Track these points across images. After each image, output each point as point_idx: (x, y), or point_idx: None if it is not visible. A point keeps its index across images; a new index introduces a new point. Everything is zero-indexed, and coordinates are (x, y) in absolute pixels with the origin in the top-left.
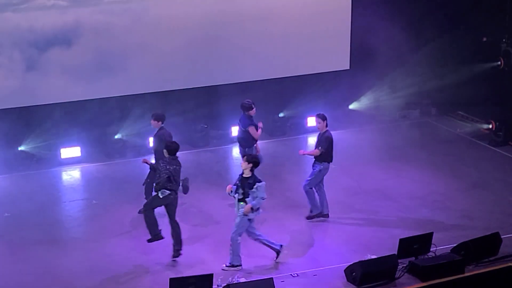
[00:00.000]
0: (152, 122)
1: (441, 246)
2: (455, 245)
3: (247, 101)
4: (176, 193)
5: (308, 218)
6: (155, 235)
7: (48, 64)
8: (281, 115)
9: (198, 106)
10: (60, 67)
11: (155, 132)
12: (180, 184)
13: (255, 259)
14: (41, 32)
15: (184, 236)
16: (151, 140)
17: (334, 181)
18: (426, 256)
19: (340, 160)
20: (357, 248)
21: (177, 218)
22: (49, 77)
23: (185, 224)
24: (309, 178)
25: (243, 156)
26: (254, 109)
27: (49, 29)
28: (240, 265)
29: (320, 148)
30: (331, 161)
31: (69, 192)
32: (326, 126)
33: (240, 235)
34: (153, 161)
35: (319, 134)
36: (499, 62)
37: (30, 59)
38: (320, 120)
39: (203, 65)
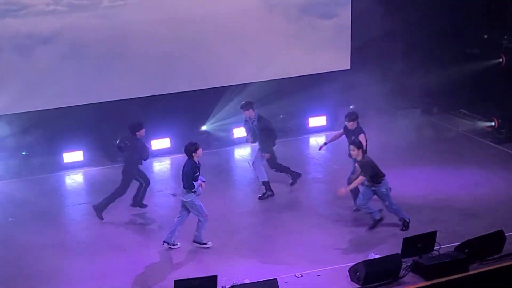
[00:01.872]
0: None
1: (445, 244)
2: (459, 243)
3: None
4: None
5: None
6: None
7: (48, 69)
8: (282, 116)
9: (199, 109)
10: (60, 71)
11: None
12: None
13: (259, 260)
14: (41, 37)
15: (187, 238)
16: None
17: (337, 181)
18: (430, 255)
19: (342, 160)
20: (360, 248)
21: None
22: (49, 82)
23: (188, 226)
24: (386, 203)
25: None
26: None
27: (48, 34)
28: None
29: (362, 174)
30: (384, 176)
31: (73, 196)
32: (363, 152)
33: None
34: None
35: (355, 161)
36: (500, 59)
37: (30, 64)
38: (354, 147)
39: (201, 68)
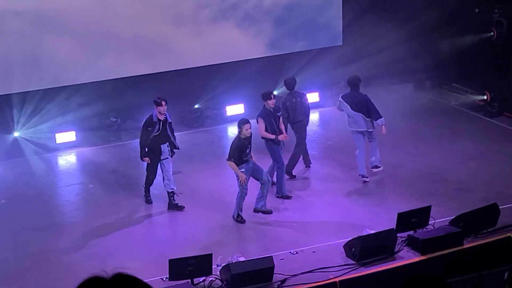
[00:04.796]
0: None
1: (439, 219)
2: (453, 217)
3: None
4: None
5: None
6: None
7: (39, 50)
8: (275, 92)
9: (192, 86)
10: (51, 52)
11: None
12: None
13: (254, 238)
14: (29, 16)
15: (181, 217)
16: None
17: (330, 158)
18: (424, 229)
19: (335, 136)
20: (355, 224)
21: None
22: (40, 63)
23: (182, 204)
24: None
25: None
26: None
27: (37, 12)
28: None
29: None
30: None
31: (65, 176)
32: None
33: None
34: None
35: None
36: (492, 33)
37: (21, 45)
38: None
39: (194, 45)
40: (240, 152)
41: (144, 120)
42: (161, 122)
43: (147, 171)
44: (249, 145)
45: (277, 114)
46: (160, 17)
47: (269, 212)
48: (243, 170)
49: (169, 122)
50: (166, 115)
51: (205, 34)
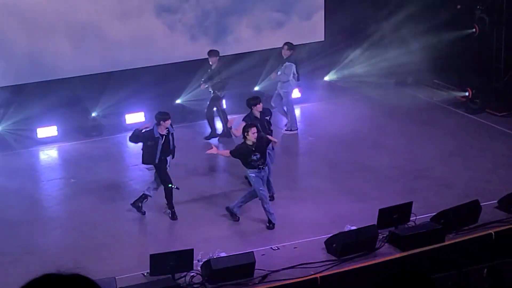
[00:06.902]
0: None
1: (420, 215)
2: (435, 214)
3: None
4: None
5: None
6: None
7: (20, 45)
8: (256, 88)
9: (172, 82)
10: (33, 47)
11: None
12: None
13: (236, 233)
14: (6, 10)
15: (163, 212)
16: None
17: (313, 153)
18: (406, 226)
19: (317, 132)
20: (337, 220)
21: (154, 197)
22: (21, 58)
23: (164, 200)
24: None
25: None
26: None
27: (20, 7)
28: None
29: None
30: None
31: (47, 171)
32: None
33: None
34: None
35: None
36: (474, 30)
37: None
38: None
39: (179, 40)
40: (243, 156)
41: (143, 131)
42: (164, 136)
43: (162, 182)
44: (258, 153)
45: (265, 118)
46: (139, 12)
47: (236, 219)
48: (252, 175)
49: (172, 133)
50: (168, 128)
51: (189, 32)
